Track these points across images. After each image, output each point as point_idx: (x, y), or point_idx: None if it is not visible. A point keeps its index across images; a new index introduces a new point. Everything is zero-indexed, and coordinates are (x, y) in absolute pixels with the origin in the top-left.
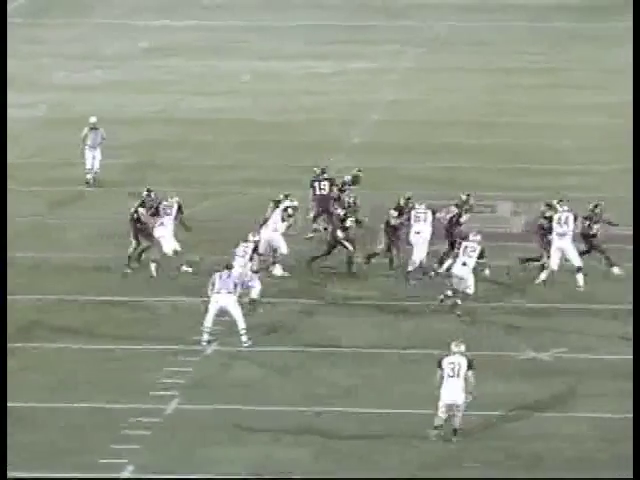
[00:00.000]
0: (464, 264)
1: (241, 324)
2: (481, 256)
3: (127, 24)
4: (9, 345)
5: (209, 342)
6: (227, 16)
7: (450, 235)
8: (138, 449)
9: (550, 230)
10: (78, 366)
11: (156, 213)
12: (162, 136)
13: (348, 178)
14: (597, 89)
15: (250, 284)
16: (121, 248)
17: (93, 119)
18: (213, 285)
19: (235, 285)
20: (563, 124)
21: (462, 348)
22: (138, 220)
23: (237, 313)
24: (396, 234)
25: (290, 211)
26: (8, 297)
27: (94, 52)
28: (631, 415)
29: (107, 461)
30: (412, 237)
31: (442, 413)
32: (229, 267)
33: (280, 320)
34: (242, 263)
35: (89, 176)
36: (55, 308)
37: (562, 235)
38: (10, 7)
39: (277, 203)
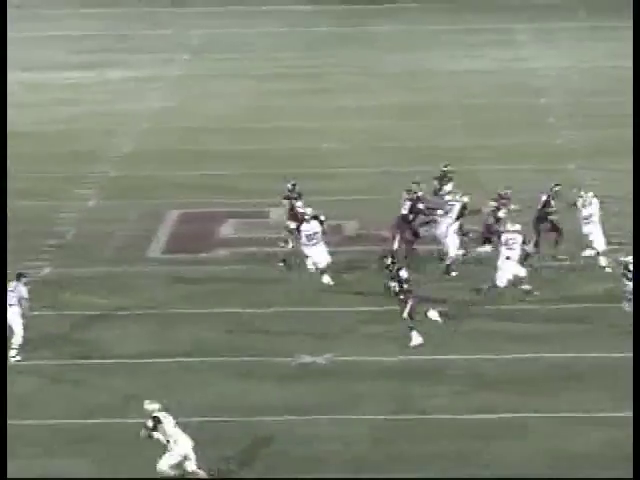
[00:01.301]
0: (508, 257)
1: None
2: (523, 243)
3: None
4: None
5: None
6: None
7: (487, 230)
8: None
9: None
10: None
11: None
12: None
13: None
14: (359, 93)
15: None
16: None
17: None
18: None
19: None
20: (324, 128)
21: None
22: None
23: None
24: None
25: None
26: None
27: None
28: (404, 416)
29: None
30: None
31: None
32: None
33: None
34: None
35: None
36: None
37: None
38: None
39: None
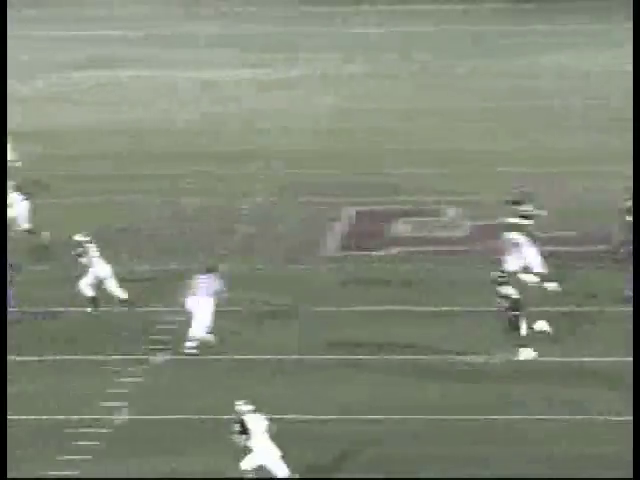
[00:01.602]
0: None
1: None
2: None
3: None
4: None
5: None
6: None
7: None
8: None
9: None
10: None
11: None
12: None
13: None
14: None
15: None
16: None
17: None
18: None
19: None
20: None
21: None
22: None
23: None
24: None
25: None
26: None
27: None
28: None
29: (55, 473)
30: None
31: None
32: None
33: None
34: None
35: None
36: None
37: None
38: None
39: None
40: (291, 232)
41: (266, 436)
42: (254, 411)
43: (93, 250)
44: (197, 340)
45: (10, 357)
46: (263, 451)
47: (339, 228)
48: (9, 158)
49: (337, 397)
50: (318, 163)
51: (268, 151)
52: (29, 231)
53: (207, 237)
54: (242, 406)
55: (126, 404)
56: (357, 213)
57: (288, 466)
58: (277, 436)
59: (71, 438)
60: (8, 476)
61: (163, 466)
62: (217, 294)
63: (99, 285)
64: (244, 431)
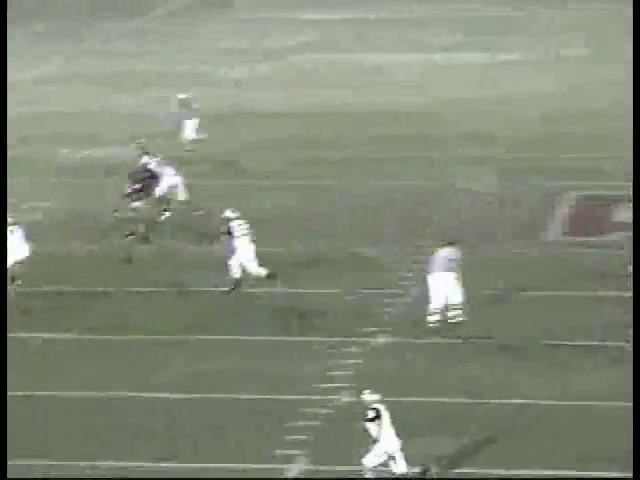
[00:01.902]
0: None
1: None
2: None
3: (282, 19)
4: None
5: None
6: (377, 9)
7: None
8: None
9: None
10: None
11: None
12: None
13: None
14: None
15: None
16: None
17: (182, 95)
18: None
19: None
20: None
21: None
22: None
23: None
24: None
25: None
26: None
27: (249, 47)
28: None
29: (280, 452)
30: None
31: None
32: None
33: None
34: None
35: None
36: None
37: None
38: (171, 5)
39: None
40: (517, 215)
41: (392, 427)
42: (381, 401)
43: (241, 228)
44: (437, 314)
45: (233, 336)
46: (390, 441)
47: (561, 213)
48: (200, 136)
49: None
50: (539, 147)
51: (492, 135)
52: (186, 203)
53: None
54: (369, 396)
55: (347, 386)
56: (579, 197)
57: None
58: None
59: (292, 418)
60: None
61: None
62: (455, 269)
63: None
64: (378, 417)
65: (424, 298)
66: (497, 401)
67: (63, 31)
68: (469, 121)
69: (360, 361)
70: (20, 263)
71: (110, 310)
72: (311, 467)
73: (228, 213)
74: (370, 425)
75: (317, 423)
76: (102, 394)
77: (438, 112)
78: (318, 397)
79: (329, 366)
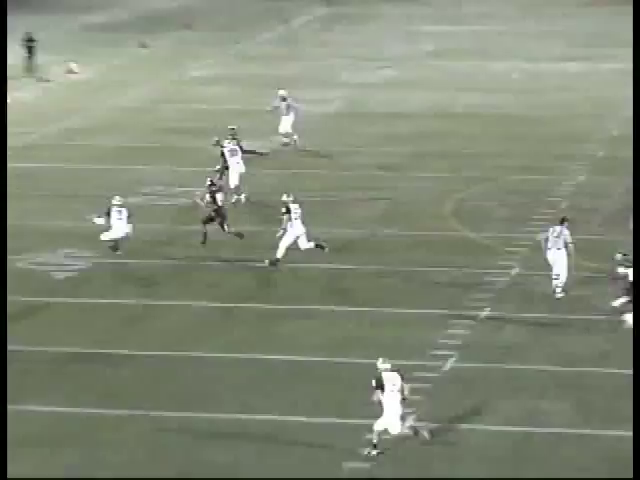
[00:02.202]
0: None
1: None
2: None
3: (405, 31)
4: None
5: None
6: (492, 23)
7: None
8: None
9: None
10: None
11: None
12: (435, 128)
13: None
14: None
15: None
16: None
17: (282, 92)
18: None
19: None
20: None
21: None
22: None
23: None
24: None
25: None
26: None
27: (377, 54)
28: None
29: None
30: None
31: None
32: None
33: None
34: None
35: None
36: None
37: None
38: (310, 16)
39: None
40: (605, 207)
41: (396, 395)
42: (392, 370)
43: (296, 211)
44: (562, 287)
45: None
46: (390, 408)
47: None
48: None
49: None
50: (629, 146)
51: (586, 135)
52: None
53: (527, 209)
54: (381, 364)
55: (453, 354)
56: None
57: None
58: None
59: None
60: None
61: (488, 406)
62: (568, 245)
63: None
64: (379, 387)
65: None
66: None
67: (218, 39)
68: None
69: (467, 332)
70: (121, 239)
71: (236, 282)
72: (422, 423)
73: (285, 197)
74: (375, 392)
75: (428, 385)
76: (247, 356)
77: (542, 115)
78: (429, 363)
79: (439, 335)
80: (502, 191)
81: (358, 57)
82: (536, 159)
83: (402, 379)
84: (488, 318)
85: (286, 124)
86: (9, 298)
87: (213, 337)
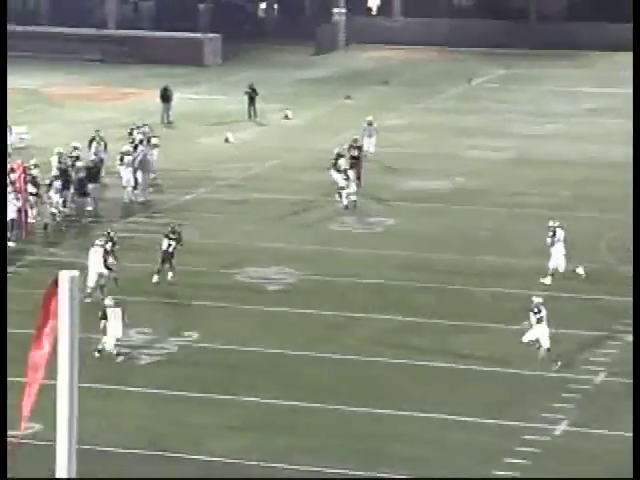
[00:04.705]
0: None
1: None
2: None
3: (569, 91)
4: None
5: None
6: None
7: None
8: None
9: None
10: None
11: None
12: (593, 176)
13: None
14: None
15: None
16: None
17: (369, 118)
18: None
19: None
20: None
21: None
22: None
23: None
24: None
25: None
26: None
27: (545, 110)
28: None
29: (545, 415)
30: None
31: None
32: None
33: None
34: None
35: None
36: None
37: None
38: (491, 76)
39: None
40: None
41: (543, 323)
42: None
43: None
44: None
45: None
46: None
47: None
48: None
49: None
50: None
51: None
52: None
53: None
54: (537, 298)
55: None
56: None
57: None
58: None
59: (561, 390)
60: None
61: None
62: None
63: None
64: (539, 312)
65: None
66: None
67: (410, 94)
68: None
69: (616, 351)
70: None
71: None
72: (572, 429)
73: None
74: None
75: (578, 396)
76: (422, 363)
77: None
78: (580, 377)
79: (590, 354)
80: None
81: (528, 113)
82: None
83: None
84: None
85: (370, 144)
86: (232, 306)
87: (397, 345)
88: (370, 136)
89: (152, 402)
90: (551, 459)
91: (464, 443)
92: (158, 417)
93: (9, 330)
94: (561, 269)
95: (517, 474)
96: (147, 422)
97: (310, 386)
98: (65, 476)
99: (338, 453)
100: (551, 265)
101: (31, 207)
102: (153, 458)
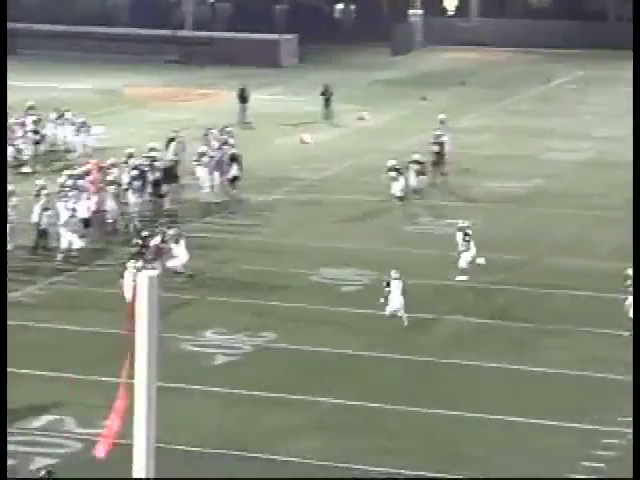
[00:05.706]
0: None
1: None
2: None
3: None
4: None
5: None
6: None
7: None
8: None
9: None
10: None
11: None
12: None
13: None
14: None
15: None
16: None
17: (442, 116)
18: None
19: None
20: None
21: None
22: None
23: None
24: None
25: None
26: None
27: (623, 112)
28: None
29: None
30: None
31: None
32: None
33: None
34: None
35: None
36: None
37: None
38: (568, 78)
39: None
40: None
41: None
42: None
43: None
44: None
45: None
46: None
47: None
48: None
49: None
50: None
51: None
52: None
53: None
54: (393, 274)
55: None
56: None
57: None
58: None
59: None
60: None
61: None
62: None
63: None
64: (388, 285)
65: None
66: None
67: (487, 95)
68: None
69: None
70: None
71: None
72: None
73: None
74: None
75: None
76: (503, 365)
77: None
78: None
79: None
80: None
81: (606, 114)
82: None
83: None
84: None
85: (448, 144)
86: (307, 306)
87: (474, 347)
88: (446, 135)
89: (228, 402)
90: (629, 463)
91: (542, 447)
92: (233, 417)
93: (89, 329)
94: None
95: (594, 477)
96: (222, 422)
97: (385, 387)
98: (144, 476)
99: (414, 455)
100: None
101: (109, 207)
102: (229, 458)
